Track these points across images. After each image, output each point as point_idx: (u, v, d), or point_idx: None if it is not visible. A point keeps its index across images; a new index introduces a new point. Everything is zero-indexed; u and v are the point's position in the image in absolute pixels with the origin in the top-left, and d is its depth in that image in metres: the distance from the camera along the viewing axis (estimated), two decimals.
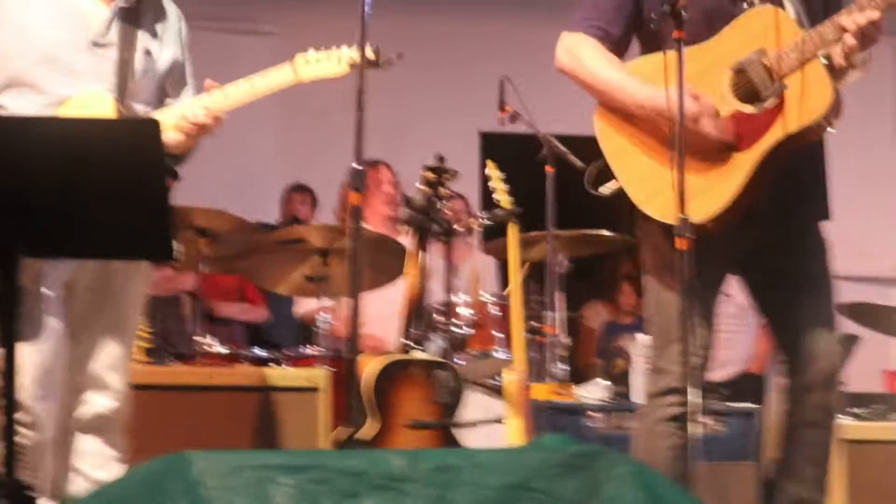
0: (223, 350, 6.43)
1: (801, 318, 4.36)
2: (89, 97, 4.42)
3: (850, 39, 4.06)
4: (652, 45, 4.38)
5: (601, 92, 4.40)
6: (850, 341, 6.90)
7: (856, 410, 6.52)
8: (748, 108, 4.21)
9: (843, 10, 4.12)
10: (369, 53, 4.34)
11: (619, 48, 4.44)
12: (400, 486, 3.18)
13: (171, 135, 4.40)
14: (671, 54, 4.04)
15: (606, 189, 4.39)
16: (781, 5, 4.26)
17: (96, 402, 4.52)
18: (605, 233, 7.05)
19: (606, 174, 4.39)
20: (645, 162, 4.32)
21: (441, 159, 5.42)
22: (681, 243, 3.91)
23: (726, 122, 4.22)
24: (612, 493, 3.32)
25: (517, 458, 3.38)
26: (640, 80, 4.32)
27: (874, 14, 4.05)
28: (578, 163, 6.63)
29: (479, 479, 3.24)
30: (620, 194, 4.37)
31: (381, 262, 6.28)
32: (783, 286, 4.40)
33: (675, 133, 4.01)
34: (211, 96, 4.52)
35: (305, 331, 7.98)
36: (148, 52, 4.57)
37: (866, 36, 4.06)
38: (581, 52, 4.41)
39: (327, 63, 4.56)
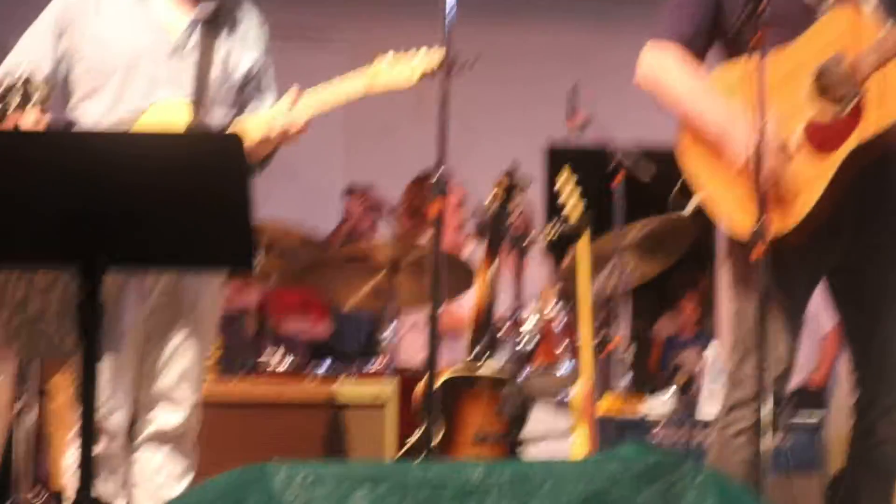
0: (289, 366, 6.44)
1: (883, 335, 4.35)
2: (168, 106, 4.48)
3: None
4: (734, 51, 4.37)
5: (680, 112, 4.41)
6: None
7: None
8: (827, 115, 4.19)
9: None
10: (437, 60, 4.39)
11: (700, 55, 4.44)
12: (478, 497, 3.17)
13: (255, 140, 4.46)
14: (753, 62, 4.02)
15: (689, 207, 4.38)
16: (858, 4, 4.23)
17: (166, 416, 4.55)
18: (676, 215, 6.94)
19: (687, 192, 4.40)
20: (726, 180, 4.30)
21: (513, 170, 5.42)
22: (758, 250, 3.89)
23: (806, 127, 4.20)
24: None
25: (595, 469, 3.35)
26: (720, 93, 4.31)
27: None
28: (650, 172, 6.62)
29: (557, 490, 3.23)
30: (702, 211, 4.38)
31: (445, 278, 6.27)
32: (867, 300, 4.38)
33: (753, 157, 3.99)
34: (294, 103, 4.54)
35: (371, 343, 8.01)
36: (227, 60, 4.61)
37: None
38: (661, 69, 4.42)
39: (402, 68, 4.55)
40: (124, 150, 2.94)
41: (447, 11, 3.39)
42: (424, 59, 4.52)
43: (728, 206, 4.29)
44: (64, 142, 3.06)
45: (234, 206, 2.89)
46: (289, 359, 6.74)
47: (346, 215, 9.31)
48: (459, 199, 7.94)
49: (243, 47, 4.67)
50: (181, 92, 4.51)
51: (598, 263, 7.02)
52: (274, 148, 4.61)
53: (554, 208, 6.58)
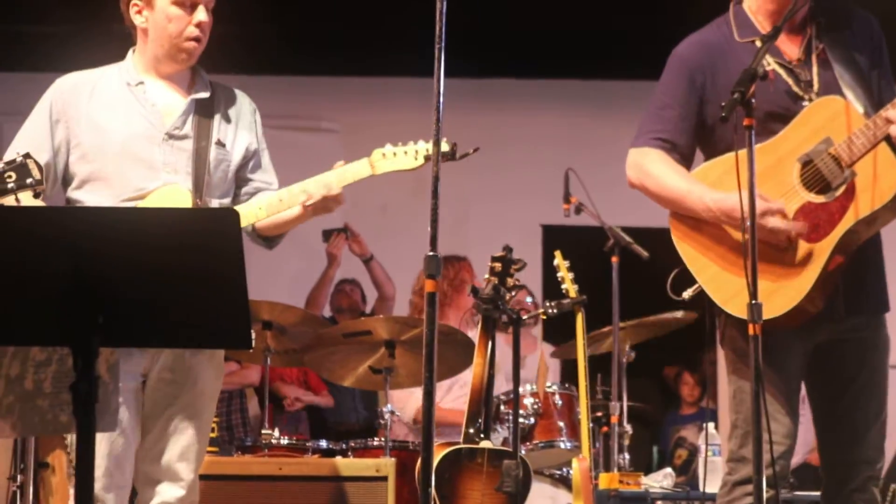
0: (290, 441, 6.46)
1: (854, 419, 4.39)
2: (168, 191, 4.52)
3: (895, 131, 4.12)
4: (714, 154, 4.46)
5: (671, 201, 4.47)
6: None
7: None
8: (819, 198, 4.26)
9: (889, 104, 4.18)
10: (446, 147, 4.38)
11: (684, 158, 4.52)
12: None
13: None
14: (739, 154, 4.02)
15: (687, 293, 4.44)
16: (843, 95, 4.31)
17: (166, 493, 4.54)
18: (672, 315, 7.01)
19: (685, 278, 4.44)
20: (721, 265, 4.36)
21: (508, 250, 5.47)
22: (753, 329, 3.92)
23: (797, 213, 4.25)
24: None
25: None
26: (707, 185, 4.37)
27: None
28: (644, 253, 6.69)
29: None
30: (699, 295, 4.42)
31: (447, 354, 6.30)
32: (843, 378, 4.42)
33: (745, 232, 4.02)
34: (296, 189, 4.61)
35: (370, 421, 8.03)
36: (222, 143, 4.67)
37: None
38: (648, 165, 4.50)
39: (403, 157, 4.64)
40: (121, 226, 2.96)
41: (437, 99, 3.42)
42: (426, 145, 4.59)
43: (724, 289, 4.34)
44: (60, 218, 3.08)
45: (231, 284, 2.91)
46: (290, 435, 6.75)
47: (329, 258, 9.33)
48: (470, 278, 8.00)
49: (238, 130, 4.75)
50: (179, 177, 4.57)
51: (598, 340, 7.08)
52: (293, 224, 4.68)
53: (552, 287, 6.66)
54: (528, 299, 8.30)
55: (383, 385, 6.48)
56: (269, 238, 4.79)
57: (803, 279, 4.23)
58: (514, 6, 10.16)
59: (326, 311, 9.38)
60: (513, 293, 5.43)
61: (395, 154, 4.63)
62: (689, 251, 4.44)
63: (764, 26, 4.41)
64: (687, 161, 4.53)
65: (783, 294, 4.21)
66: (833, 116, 4.27)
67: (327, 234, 9.25)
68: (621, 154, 4.60)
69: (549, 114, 10.98)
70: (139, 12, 4.63)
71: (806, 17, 4.49)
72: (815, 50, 4.43)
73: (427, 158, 4.57)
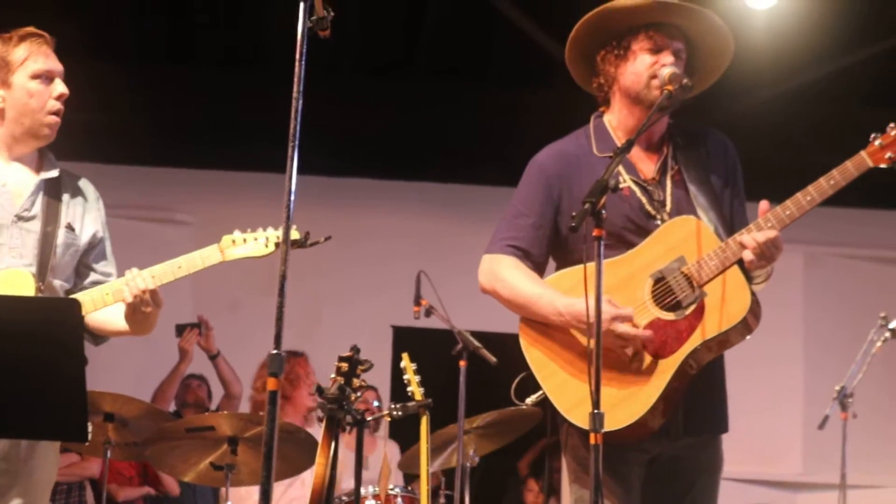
0: None
1: None
2: (9, 276, 4.42)
3: (749, 255, 4.19)
4: (567, 264, 4.49)
5: (521, 306, 4.47)
6: None
7: None
8: (668, 315, 4.30)
9: (744, 228, 4.26)
10: (297, 234, 4.41)
11: (537, 267, 4.54)
12: None
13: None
14: (590, 266, 4.05)
15: (531, 399, 4.44)
16: (697, 216, 4.38)
17: None
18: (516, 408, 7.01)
19: (530, 385, 4.45)
20: (568, 372, 4.38)
21: (356, 350, 5.44)
22: (595, 438, 3.93)
23: (646, 328, 4.29)
24: None
25: None
26: (559, 292, 4.40)
27: (771, 233, 4.20)
28: (492, 358, 6.71)
29: None
30: (543, 401, 4.43)
31: (289, 452, 6.25)
32: (670, 501, 4.45)
33: (591, 338, 4.04)
34: (137, 276, 4.53)
35: None
36: (71, 227, 4.60)
37: (764, 254, 4.20)
38: (501, 271, 4.51)
39: (253, 244, 4.63)
40: None
41: (287, 197, 3.42)
42: (276, 232, 4.59)
43: (568, 397, 4.35)
44: None
45: (69, 375, 2.87)
46: None
47: (181, 353, 9.21)
48: (311, 376, 7.98)
49: (86, 214, 4.68)
50: (24, 260, 4.48)
51: (443, 443, 7.06)
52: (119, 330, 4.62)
53: (402, 388, 6.65)
54: (375, 403, 8.29)
55: (224, 482, 6.40)
56: (95, 336, 4.71)
57: (647, 394, 4.25)
58: (371, 106, 10.26)
59: (173, 407, 9.26)
60: (358, 394, 5.40)
61: (245, 240, 4.62)
62: (537, 357, 4.44)
63: (622, 142, 4.44)
64: (540, 269, 4.54)
65: (626, 407, 4.23)
66: (688, 236, 4.33)
67: (180, 329, 9.13)
68: (474, 258, 4.61)
69: (403, 215, 11.05)
70: None
71: (664, 137, 4.56)
72: (671, 170, 4.49)
73: (277, 245, 4.56)
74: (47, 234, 4.53)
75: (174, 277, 4.56)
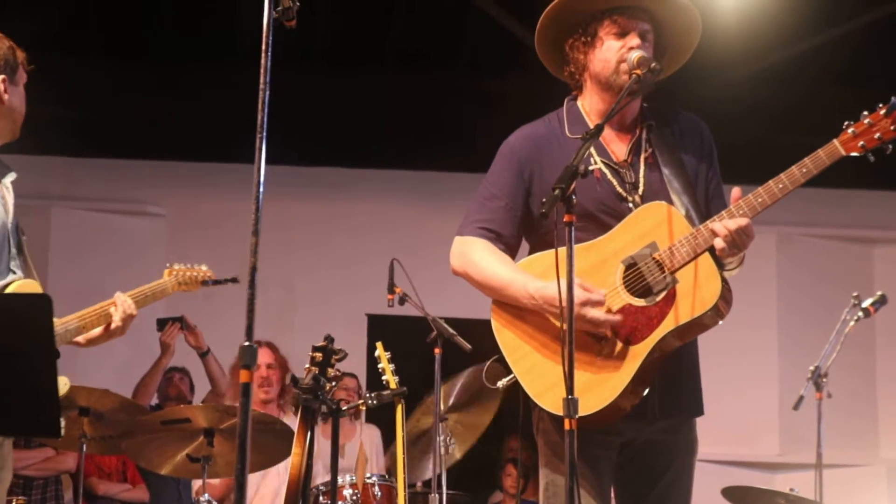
0: None
1: None
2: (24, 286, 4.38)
3: (720, 243, 4.19)
4: (541, 246, 4.48)
5: (493, 288, 4.46)
6: None
7: None
8: (640, 301, 4.29)
9: (716, 215, 4.26)
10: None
11: (509, 249, 4.53)
12: None
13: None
14: (561, 250, 4.01)
15: (501, 382, 4.43)
16: (671, 202, 4.38)
17: None
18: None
19: (502, 368, 4.44)
20: (539, 356, 4.37)
21: (330, 339, 5.44)
22: (569, 424, 3.92)
23: (617, 313, 4.29)
24: None
25: None
26: (531, 275, 4.40)
27: (742, 221, 4.20)
28: (466, 345, 6.71)
29: None
30: (515, 385, 4.42)
31: (266, 443, 6.25)
32: (645, 485, 4.48)
33: (563, 322, 4.04)
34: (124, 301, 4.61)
35: None
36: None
37: (735, 242, 4.20)
38: (472, 253, 4.50)
39: (191, 275, 5.15)
40: None
41: (256, 188, 3.42)
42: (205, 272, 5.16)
43: (540, 381, 4.34)
44: None
45: (40, 371, 2.85)
46: None
47: (162, 347, 9.19)
48: (268, 363, 7.99)
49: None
50: None
51: (422, 432, 7.08)
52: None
53: (377, 377, 6.65)
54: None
55: (201, 473, 6.40)
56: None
57: (618, 379, 4.24)
58: (341, 95, 10.25)
59: (155, 400, 9.25)
60: (333, 383, 5.40)
61: (183, 273, 4.84)
62: (509, 340, 4.43)
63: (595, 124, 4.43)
64: (512, 251, 4.53)
65: (597, 393, 4.22)
66: (659, 222, 4.31)
67: (162, 323, 9.10)
68: (447, 245, 4.59)
69: (376, 203, 11.04)
70: None
71: (637, 119, 4.56)
72: (644, 153, 4.49)
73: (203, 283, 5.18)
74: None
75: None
